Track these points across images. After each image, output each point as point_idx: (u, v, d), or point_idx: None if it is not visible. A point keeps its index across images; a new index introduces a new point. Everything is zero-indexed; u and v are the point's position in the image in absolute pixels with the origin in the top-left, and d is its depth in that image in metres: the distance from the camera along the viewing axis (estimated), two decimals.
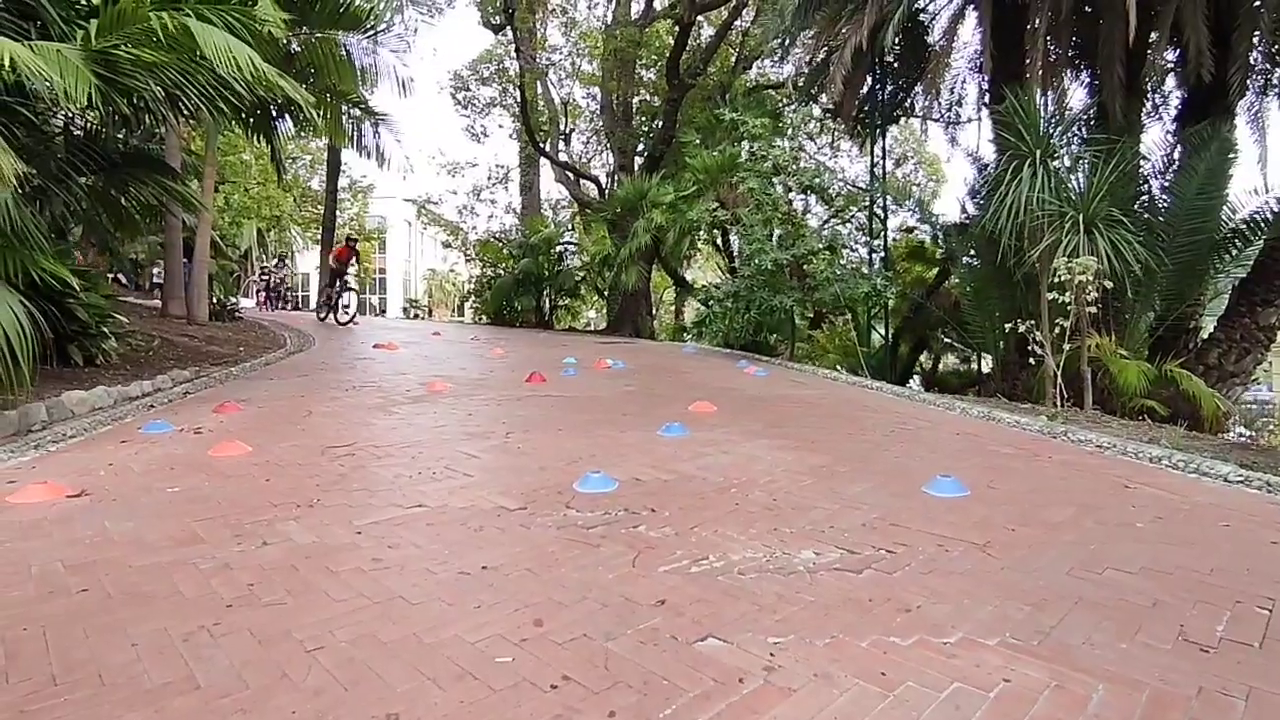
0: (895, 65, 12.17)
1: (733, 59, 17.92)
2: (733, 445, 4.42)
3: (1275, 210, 8.21)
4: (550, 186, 22.93)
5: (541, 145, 19.29)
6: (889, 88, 12.59)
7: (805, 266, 9.67)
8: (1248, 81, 8.73)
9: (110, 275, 15.51)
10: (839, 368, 11.20)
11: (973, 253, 10.07)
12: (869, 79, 11.87)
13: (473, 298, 20.10)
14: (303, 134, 14.47)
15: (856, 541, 2.80)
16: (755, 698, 1.75)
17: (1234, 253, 8.52)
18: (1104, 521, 3.08)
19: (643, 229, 12.75)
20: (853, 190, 14.83)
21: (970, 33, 11.93)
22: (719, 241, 16.09)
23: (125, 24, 5.20)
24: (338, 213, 26.35)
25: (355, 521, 2.97)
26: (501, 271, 17.21)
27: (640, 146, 17.91)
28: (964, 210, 11.03)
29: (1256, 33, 8.19)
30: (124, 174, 7.14)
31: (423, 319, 28.24)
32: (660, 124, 16.99)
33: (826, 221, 13.97)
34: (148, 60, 5.19)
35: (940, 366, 14.58)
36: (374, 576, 2.42)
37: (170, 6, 5.40)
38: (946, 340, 12.98)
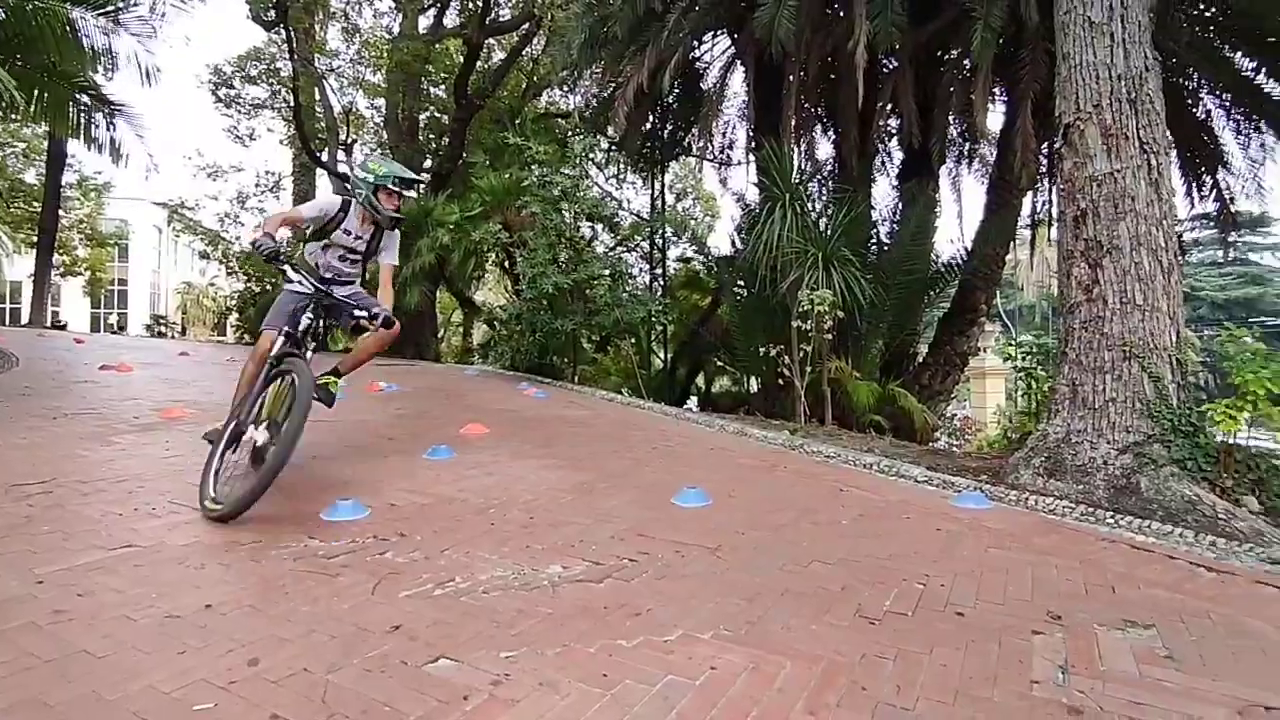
0: (675, 107, 13.04)
1: (524, 84, 18.11)
2: (499, 466, 4.43)
3: (964, 258, 9.98)
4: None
5: (318, 154, 18.02)
6: (669, 127, 13.45)
7: (588, 291, 9.96)
8: (946, 151, 10.54)
9: None
10: (623, 390, 11.61)
11: (740, 283, 10.99)
12: (651, 117, 12.61)
13: (235, 315, 18.13)
14: (10, 118, 12.31)
15: (603, 554, 2.93)
16: (478, 713, 1.77)
17: (938, 291, 10.17)
18: (818, 522, 3.51)
19: (426, 248, 12.37)
20: (637, 220, 15.59)
21: (740, 83, 13.18)
22: (505, 264, 16.04)
23: None
24: (63, 213, 22.57)
25: (38, 570, 2.54)
26: (268, 287, 15.71)
27: (427, 163, 17.40)
28: (733, 244, 12.06)
29: (951, 113, 9.91)
30: None
31: (173, 338, 24.87)
32: (448, 142, 16.68)
33: (612, 249, 14.52)
34: None
35: (715, 388, 15.66)
36: (51, 631, 2.10)
37: None
38: (720, 364, 14.00)
